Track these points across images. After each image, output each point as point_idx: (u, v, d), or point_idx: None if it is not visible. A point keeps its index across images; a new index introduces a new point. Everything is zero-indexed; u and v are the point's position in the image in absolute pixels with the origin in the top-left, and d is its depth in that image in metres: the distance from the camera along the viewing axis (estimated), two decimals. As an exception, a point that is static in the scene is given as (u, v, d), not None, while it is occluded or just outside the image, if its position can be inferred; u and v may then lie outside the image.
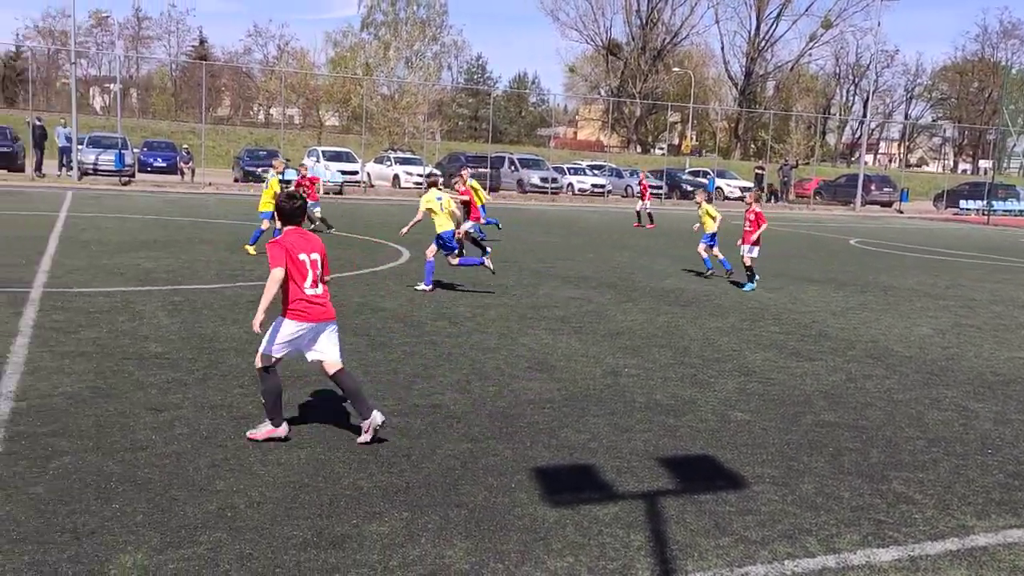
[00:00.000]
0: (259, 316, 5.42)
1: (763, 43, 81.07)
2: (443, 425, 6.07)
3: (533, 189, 40.43)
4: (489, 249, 14.42)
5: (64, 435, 5.44)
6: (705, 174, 46.62)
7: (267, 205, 14.67)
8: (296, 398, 6.48)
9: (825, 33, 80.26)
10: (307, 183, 18.74)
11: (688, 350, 8.93)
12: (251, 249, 14.42)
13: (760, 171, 45.92)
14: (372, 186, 38.30)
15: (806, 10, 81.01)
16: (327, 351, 5.63)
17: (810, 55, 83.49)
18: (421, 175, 37.96)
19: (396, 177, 39.41)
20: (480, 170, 39.59)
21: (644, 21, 79.90)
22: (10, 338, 7.80)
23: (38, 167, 31.93)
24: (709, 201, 15.10)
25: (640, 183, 27.69)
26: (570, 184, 42.04)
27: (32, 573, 3.75)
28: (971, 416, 7.02)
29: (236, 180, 36.70)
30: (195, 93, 61.46)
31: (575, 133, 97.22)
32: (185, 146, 38.54)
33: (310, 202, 18.60)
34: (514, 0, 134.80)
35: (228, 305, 9.93)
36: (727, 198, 43.31)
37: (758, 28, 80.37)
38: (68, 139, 32.78)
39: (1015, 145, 63.26)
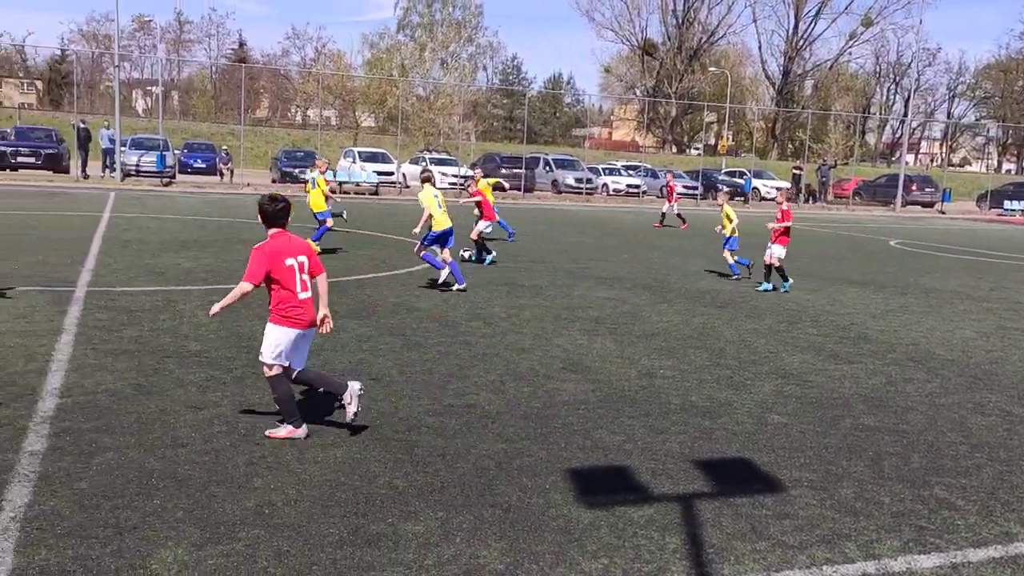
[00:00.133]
0: (216, 307, 5.50)
1: (801, 42, 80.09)
2: (478, 425, 6.09)
3: (568, 190, 40.35)
4: (493, 254, 14.56)
5: (107, 431, 5.55)
6: (741, 174, 46.17)
7: (321, 204, 15.17)
8: (332, 398, 6.53)
9: (865, 31, 79.05)
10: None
11: (724, 352, 8.85)
12: (315, 246, 14.69)
13: (798, 171, 45.34)
14: (407, 187, 38.49)
15: (846, 8, 79.80)
16: (299, 358, 5.70)
17: (850, 54, 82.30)
18: (457, 176, 38.10)
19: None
20: (515, 171, 39.67)
21: (680, 21, 79.37)
22: (56, 336, 7.98)
23: (83, 169, 32.60)
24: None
25: (667, 184, 27.48)
26: (605, 185, 41.91)
27: (76, 566, 3.83)
28: (1015, 421, 6.87)
29: (274, 181, 37.11)
30: (234, 95, 62.31)
31: (610, 133, 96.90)
32: (224, 147, 39.06)
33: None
34: (549, 1, 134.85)
35: (265, 305, 10.00)
36: (764, 199, 42.83)
37: (796, 27, 79.44)
38: (111, 141, 33.42)
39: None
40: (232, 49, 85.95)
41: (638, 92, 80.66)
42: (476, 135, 59.42)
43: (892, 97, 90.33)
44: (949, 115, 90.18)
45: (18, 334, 7.97)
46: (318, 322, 5.70)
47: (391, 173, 38.33)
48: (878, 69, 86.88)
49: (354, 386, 5.60)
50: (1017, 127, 78.66)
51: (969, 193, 54.17)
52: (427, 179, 12.16)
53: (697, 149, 76.44)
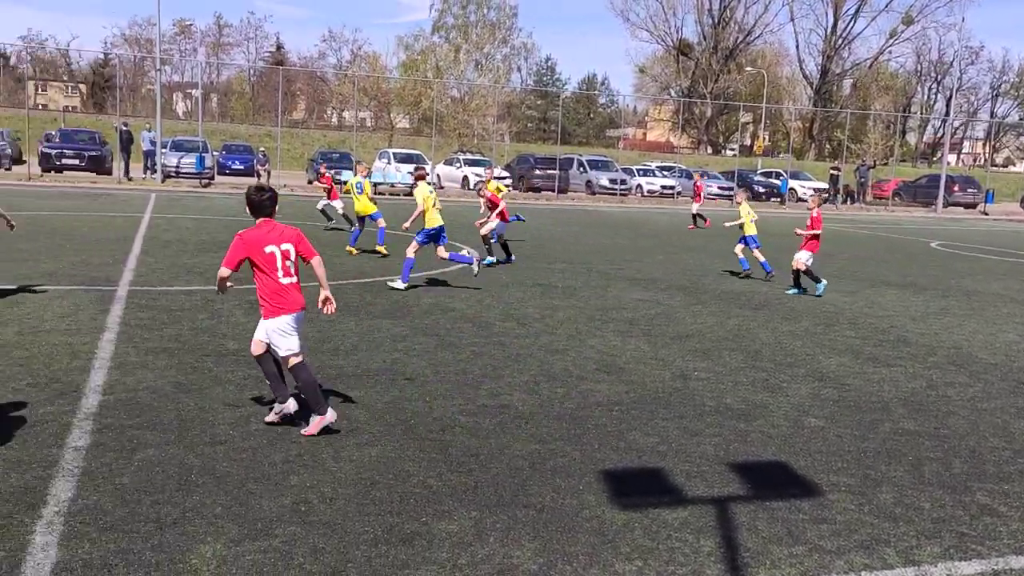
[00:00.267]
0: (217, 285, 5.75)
1: (840, 40, 79.03)
2: (511, 426, 6.10)
3: (602, 191, 40.24)
4: (493, 259, 14.46)
5: (148, 428, 5.65)
6: (778, 175, 45.70)
7: (371, 207, 15.35)
8: (367, 398, 6.60)
9: (906, 29, 77.79)
10: (326, 182, 19.58)
11: (760, 354, 8.77)
12: (382, 248, 14.90)
13: (836, 172, 44.75)
14: (442, 187, 38.66)
15: (886, 6, 78.57)
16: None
17: (890, 52, 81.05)
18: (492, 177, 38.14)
19: (465, 179, 39.71)
20: (549, 171, 39.65)
21: (716, 20, 78.77)
22: (98, 334, 8.15)
23: (125, 170, 33.22)
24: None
25: (695, 184, 27.32)
26: (639, 185, 41.71)
27: (118, 560, 3.91)
28: (1062, 427, 6.71)
29: (310, 182, 37.46)
30: (272, 97, 63.11)
31: (644, 134, 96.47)
32: (262, 149, 39.58)
33: (332, 201, 19.16)
34: (584, 1, 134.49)
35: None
36: (800, 200, 42.33)
37: (835, 25, 78.43)
38: (152, 143, 34.03)
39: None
40: (270, 52, 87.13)
41: (673, 92, 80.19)
42: (510, 136, 59.54)
43: (934, 96, 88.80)
44: (992, 114, 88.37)
45: (63, 332, 8.15)
46: (320, 303, 5.89)
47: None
48: (919, 68, 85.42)
49: (290, 405, 5.69)
50: (1063, 126, 76.80)
51: (1013, 194, 53.04)
52: (421, 176, 12.26)
53: (732, 150, 75.76)
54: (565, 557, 4.17)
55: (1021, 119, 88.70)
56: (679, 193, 41.67)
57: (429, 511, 4.61)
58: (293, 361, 5.66)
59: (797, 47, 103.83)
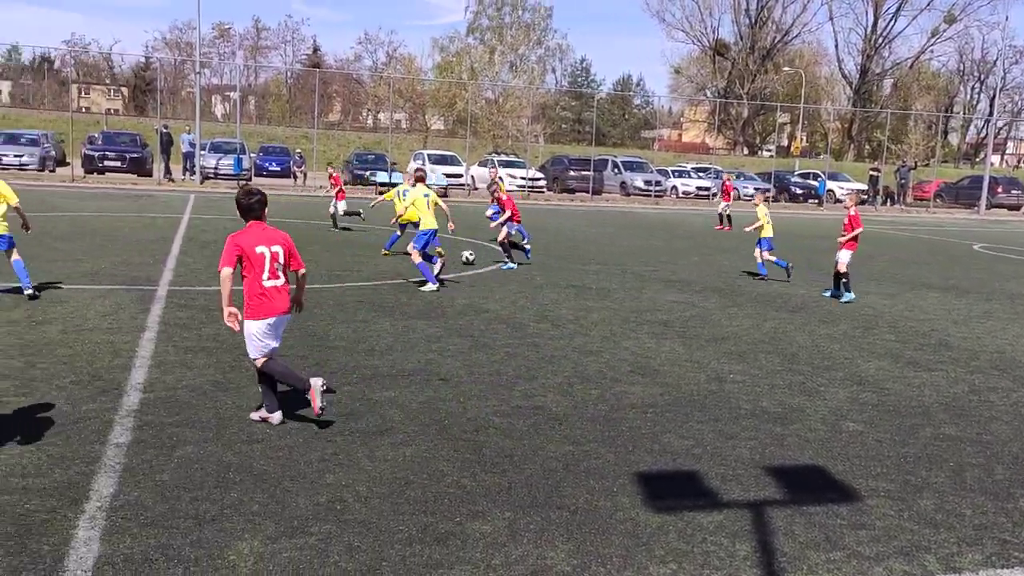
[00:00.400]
0: (227, 311, 5.63)
1: (880, 40, 77.80)
2: (545, 427, 6.09)
3: (636, 192, 40.04)
4: (522, 256, 14.38)
5: (187, 426, 5.74)
6: (815, 176, 45.11)
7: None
8: (401, 398, 6.64)
9: (948, 28, 76.35)
10: (335, 181, 19.89)
11: (796, 357, 8.67)
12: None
13: (875, 173, 44.07)
14: (476, 189, 38.74)
15: (928, 5, 76.86)
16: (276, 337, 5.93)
17: (931, 52, 79.58)
18: (525, 178, 38.20)
19: (500, 180, 39.76)
20: (583, 173, 39.56)
21: (753, 20, 77.99)
22: (139, 333, 8.30)
23: (166, 172, 33.79)
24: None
25: (723, 185, 27.07)
26: (674, 187, 41.45)
27: (158, 555, 3.98)
28: (1110, 434, 6.54)
29: (345, 183, 37.79)
30: (308, 99, 63.75)
31: (680, 135, 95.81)
32: (298, 150, 39.99)
33: (338, 201, 19.30)
34: (619, 2, 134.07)
35: (337, 305, 10.25)
36: (838, 201, 41.74)
37: (875, 24, 77.22)
38: (192, 145, 34.56)
39: None
40: (306, 55, 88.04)
41: (709, 93, 79.52)
42: (544, 137, 59.49)
43: (976, 96, 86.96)
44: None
45: (104, 331, 8.31)
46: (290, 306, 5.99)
47: (460, 175, 38.66)
48: (961, 67, 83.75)
49: (316, 382, 5.76)
50: (1112, 126, 74.82)
51: (1059, 195, 51.67)
52: (420, 178, 12.30)
53: (769, 151, 74.96)
54: (599, 559, 4.16)
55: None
56: (715, 195, 41.33)
57: (463, 511, 4.62)
58: (260, 363, 5.83)
59: (836, 46, 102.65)
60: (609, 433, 6.01)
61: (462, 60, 55.99)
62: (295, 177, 37.30)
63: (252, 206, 5.88)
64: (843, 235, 12.50)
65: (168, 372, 7.01)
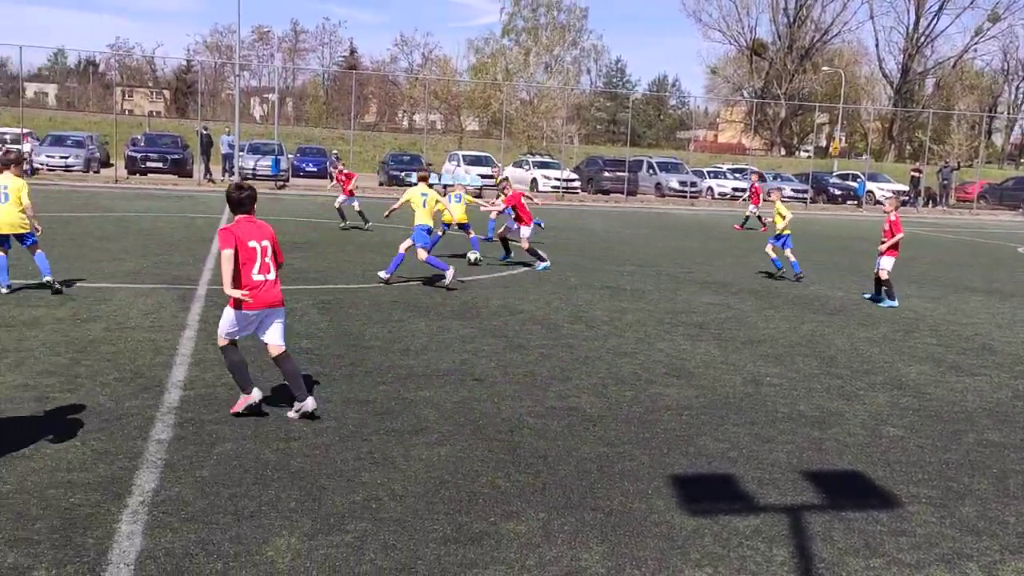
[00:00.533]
0: (232, 293, 5.76)
1: (922, 39, 76.41)
2: (579, 428, 6.08)
3: (671, 193, 39.77)
4: (547, 263, 14.27)
5: (226, 423, 5.83)
6: (855, 177, 44.44)
7: (464, 217, 14.75)
8: (436, 397, 6.67)
9: (992, 27, 74.76)
10: (343, 178, 19.88)
11: (835, 360, 8.55)
12: (473, 256, 14.73)
13: (917, 174, 43.28)
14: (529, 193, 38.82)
15: (971, 3, 75.20)
16: (272, 335, 6.01)
17: (975, 50, 77.93)
18: (560, 179, 38.15)
19: (534, 181, 39.79)
20: (618, 174, 39.40)
21: (792, 19, 77.07)
22: (179, 331, 8.44)
23: (206, 173, 34.32)
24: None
25: (752, 187, 26.65)
26: (709, 188, 41.10)
27: (199, 550, 4.05)
28: None
29: (381, 184, 38.09)
30: (345, 101, 64.29)
31: (715, 136, 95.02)
32: (335, 151, 40.32)
33: (347, 198, 19.38)
34: (655, 3, 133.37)
35: (373, 305, 10.33)
36: (878, 203, 41.08)
37: (917, 23, 75.82)
38: (231, 146, 35.02)
39: None
40: (343, 57, 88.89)
41: (745, 93, 78.75)
42: (579, 138, 59.37)
43: (1021, 95, 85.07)
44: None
45: (146, 329, 8.47)
46: None
47: (494, 176, 38.72)
48: (1006, 66, 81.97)
49: (308, 404, 5.90)
50: None
51: (1108, 196, 50.31)
52: (423, 178, 12.33)
53: (807, 151, 74.03)
54: (634, 561, 4.14)
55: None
56: (746, 198, 40.90)
57: (497, 511, 4.63)
58: (221, 343, 6.00)
59: (877, 45, 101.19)
60: (644, 435, 5.99)
61: (497, 61, 56.07)
62: (331, 178, 37.59)
63: (243, 200, 6.00)
64: (884, 242, 12.18)
65: (207, 370, 7.12)
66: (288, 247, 15.50)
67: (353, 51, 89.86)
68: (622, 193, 38.28)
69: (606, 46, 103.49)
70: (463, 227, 14.75)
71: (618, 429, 6.09)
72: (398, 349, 8.14)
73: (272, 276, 5.98)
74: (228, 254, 5.74)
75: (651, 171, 41.39)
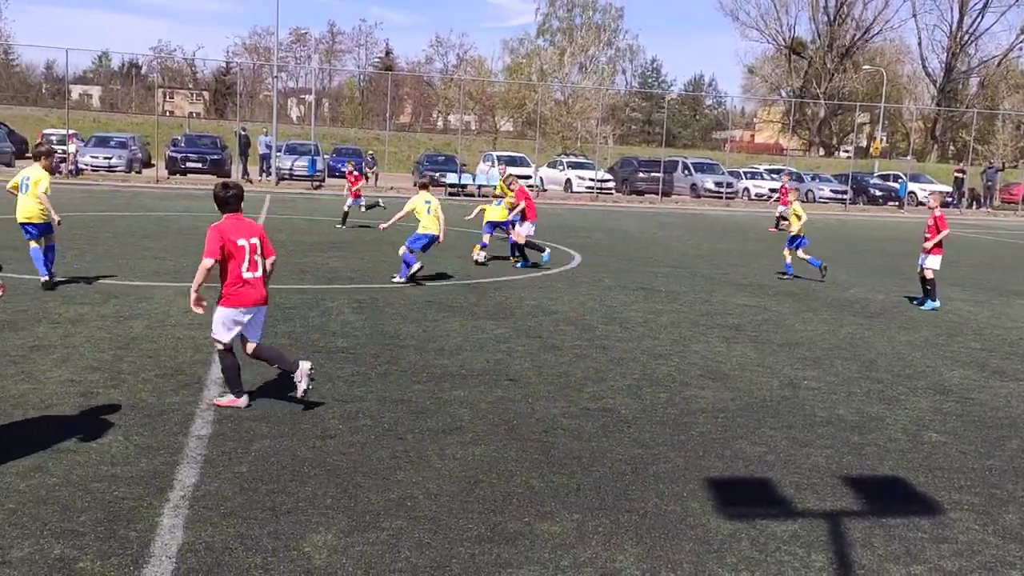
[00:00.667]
0: (194, 296, 5.93)
1: (967, 37, 74.89)
2: (614, 429, 6.06)
3: (707, 194, 39.46)
4: (547, 251, 14.39)
5: (263, 420, 5.90)
6: (896, 178, 43.73)
7: (503, 215, 14.89)
8: (470, 397, 6.69)
9: (1039, 24, 73.02)
10: (352, 179, 19.96)
11: (875, 364, 8.42)
12: (514, 260, 14.84)
13: (961, 174, 42.48)
14: (545, 190, 38.79)
15: (1016, 1, 73.76)
16: (254, 333, 6.12)
17: (1020, 49, 76.21)
18: (594, 179, 38.04)
19: (568, 181, 39.74)
20: (653, 174, 39.19)
21: (832, 17, 76.03)
22: (218, 329, 8.55)
23: (244, 173, 34.79)
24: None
25: (782, 187, 26.27)
26: (746, 189, 40.69)
27: (238, 545, 4.10)
28: None
29: (415, 184, 38.29)
30: (380, 102, 64.75)
31: (752, 136, 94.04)
32: (370, 152, 40.65)
33: (352, 199, 19.39)
34: (691, 2, 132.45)
35: (408, 304, 10.39)
36: (920, 204, 40.38)
37: (961, 21, 74.33)
38: (268, 147, 35.49)
39: None
40: (379, 58, 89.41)
41: (784, 93, 77.83)
42: (614, 139, 59.16)
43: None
44: None
45: (186, 327, 8.61)
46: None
47: (529, 177, 38.72)
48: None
49: (304, 365, 6.03)
50: None
51: None
52: (424, 186, 12.39)
53: (847, 151, 72.95)
54: (669, 564, 4.12)
55: None
56: (776, 199, 40.39)
57: (532, 511, 4.64)
58: (217, 347, 6.08)
59: (919, 44, 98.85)
60: (679, 437, 5.95)
61: (532, 62, 56.12)
62: (367, 178, 37.89)
63: (228, 199, 6.10)
64: (928, 238, 11.94)
65: (245, 367, 7.17)
66: (324, 247, 15.71)
67: (389, 52, 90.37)
68: (657, 194, 38.07)
69: (641, 46, 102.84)
70: (501, 226, 14.95)
71: (653, 431, 6.06)
72: (433, 349, 8.18)
73: (259, 273, 6.08)
74: (207, 264, 5.87)
75: (686, 172, 41.10)
